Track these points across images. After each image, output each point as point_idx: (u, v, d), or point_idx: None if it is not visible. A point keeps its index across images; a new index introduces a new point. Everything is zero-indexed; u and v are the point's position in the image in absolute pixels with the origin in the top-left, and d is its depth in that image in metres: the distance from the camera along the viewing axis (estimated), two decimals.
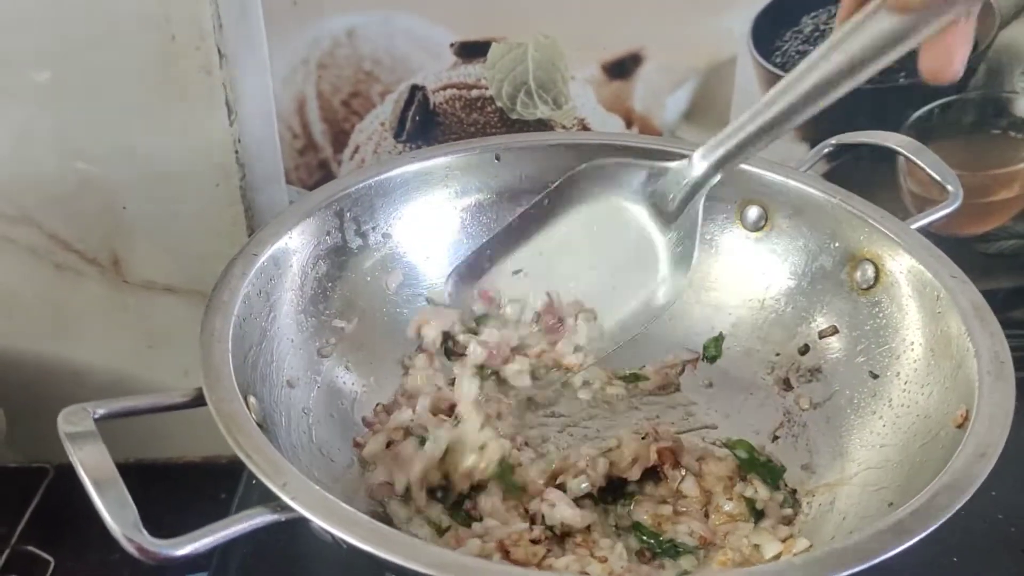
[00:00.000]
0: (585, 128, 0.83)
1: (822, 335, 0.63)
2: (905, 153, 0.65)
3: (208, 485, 0.82)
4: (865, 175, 0.83)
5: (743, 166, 0.67)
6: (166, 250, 0.78)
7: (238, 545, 0.66)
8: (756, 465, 0.59)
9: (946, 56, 0.41)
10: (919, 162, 0.64)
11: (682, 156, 0.57)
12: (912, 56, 0.80)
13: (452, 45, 0.79)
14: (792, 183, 0.65)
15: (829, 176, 0.84)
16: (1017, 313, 0.93)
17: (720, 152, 0.54)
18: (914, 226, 0.61)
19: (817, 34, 0.81)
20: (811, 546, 0.53)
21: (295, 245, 0.60)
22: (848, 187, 0.78)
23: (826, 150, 0.70)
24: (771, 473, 0.59)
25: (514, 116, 0.82)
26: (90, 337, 0.82)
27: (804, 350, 0.64)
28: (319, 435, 0.58)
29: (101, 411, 0.45)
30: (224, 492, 0.77)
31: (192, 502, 0.70)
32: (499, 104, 0.82)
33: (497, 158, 0.69)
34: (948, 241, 0.89)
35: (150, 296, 0.80)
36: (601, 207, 0.61)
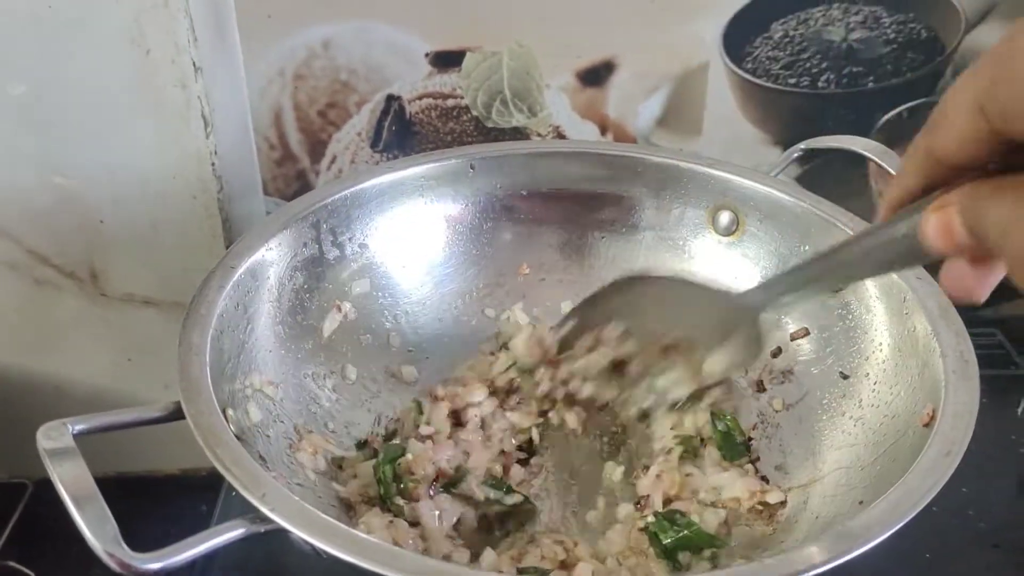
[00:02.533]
0: (560, 135, 0.84)
1: (794, 337, 0.64)
2: (871, 157, 0.66)
3: (188, 498, 0.82)
4: (837, 178, 0.84)
5: (715, 172, 0.69)
6: (145, 263, 0.78)
7: (219, 559, 0.66)
8: (728, 441, 0.61)
9: (971, 280, 0.36)
10: (884, 165, 0.65)
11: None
12: (881, 60, 0.82)
13: (427, 55, 0.80)
14: (762, 188, 0.66)
15: (801, 179, 0.86)
16: (987, 312, 0.95)
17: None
18: None
19: (786, 40, 0.82)
20: (785, 500, 0.55)
21: (272, 257, 0.61)
22: (820, 190, 0.79)
23: (796, 155, 0.71)
24: (736, 454, 0.61)
25: (490, 124, 0.83)
26: (69, 351, 0.81)
27: (776, 352, 0.65)
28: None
29: (80, 427, 0.46)
30: (204, 504, 0.77)
31: (172, 515, 0.70)
32: (475, 113, 0.82)
33: (472, 167, 0.69)
34: None
35: (129, 309, 0.80)
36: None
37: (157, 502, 0.86)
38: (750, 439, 0.63)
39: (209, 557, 0.64)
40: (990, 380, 0.84)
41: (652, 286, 0.59)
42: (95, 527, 0.40)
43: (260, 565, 0.64)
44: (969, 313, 0.92)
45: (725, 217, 0.68)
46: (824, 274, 0.47)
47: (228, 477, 0.44)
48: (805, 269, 0.49)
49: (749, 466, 0.61)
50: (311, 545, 0.42)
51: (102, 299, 0.79)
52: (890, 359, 0.57)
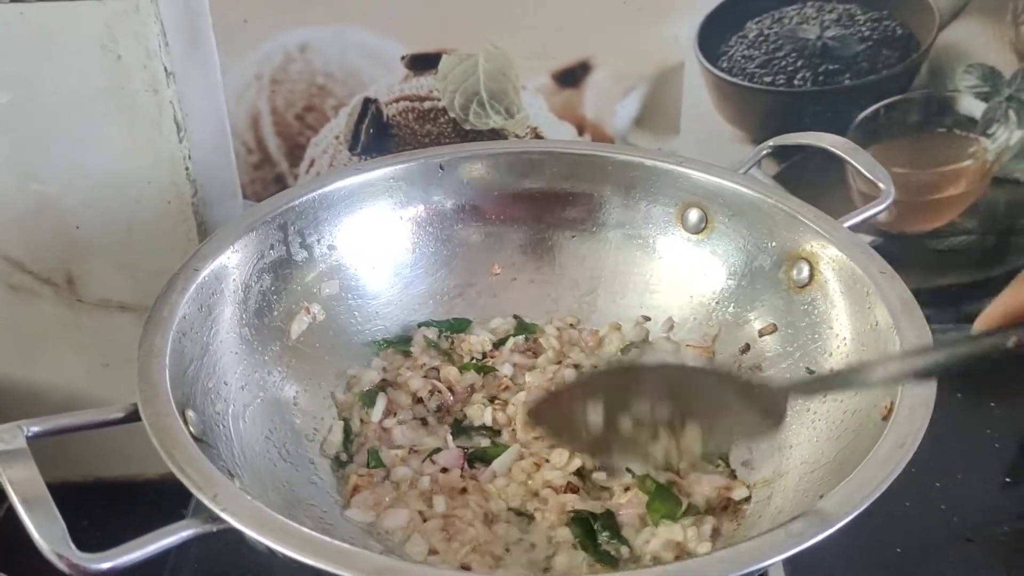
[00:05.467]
0: (538, 136, 0.84)
1: (762, 333, 0.64)
2: (839, 153, 0.66)
3: (168, 502, 0.81)
4: (816, 174, 0.84)
5: (683, 169, 0.69)
6: (120, 268, 0.78)
7: (191, 556, 0.66)
8: None
9: None
10: (852, 161, 0.65)
11: None
12: (856, 58, 0.82)
13: (403, 58, 0.80)
14: (730, 185, 0.66)
15: (781, 176, 0.86)
16: (971, 308, 0.94)
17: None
18: (848, 223, 0.62)
19: (761, 38, 0.82)
20: (749, 496, 0.56)
21: (238, 259, 0.60)
22: (800, 186, 0.79)
23: (764, 152, 0.71)
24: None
25: (467, 127, 0.83)
26: (47, 357, 0.81)
27: (745, 349, 0.65)
28: (263, 445, 0.58)
29: (35, 428, 0.46)
30: (184, 508, 0.77)
31: (151, 519, 0.70)
32: (452, 115, 0.82)
33: (441, 168, 0.69)
34: (899, 239, 0.91)
35: (105, 315, 0.80)
36: None
37: (137, 506, 0.86)
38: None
39: (181, 555, 0.65)
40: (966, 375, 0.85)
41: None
42: (43, 528, 0.41)
43: (232, 562, 0.64)
44: (958, 310, 0.93)
45: (694, 215, 0.68)
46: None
47: (181, 477, 0.44)
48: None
49: (720, 462, 0.61)
50: (265, 545, 0.42)
51: (78, 305, 0.79)
52: (853, 353, 0.57)
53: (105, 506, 0.82)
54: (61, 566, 0.40)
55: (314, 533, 0.42)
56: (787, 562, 0.59)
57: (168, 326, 0.53)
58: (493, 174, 0.70)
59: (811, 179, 0.85)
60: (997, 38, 0.82)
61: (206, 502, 0.43)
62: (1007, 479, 0.68)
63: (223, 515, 0.42)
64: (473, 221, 0.71)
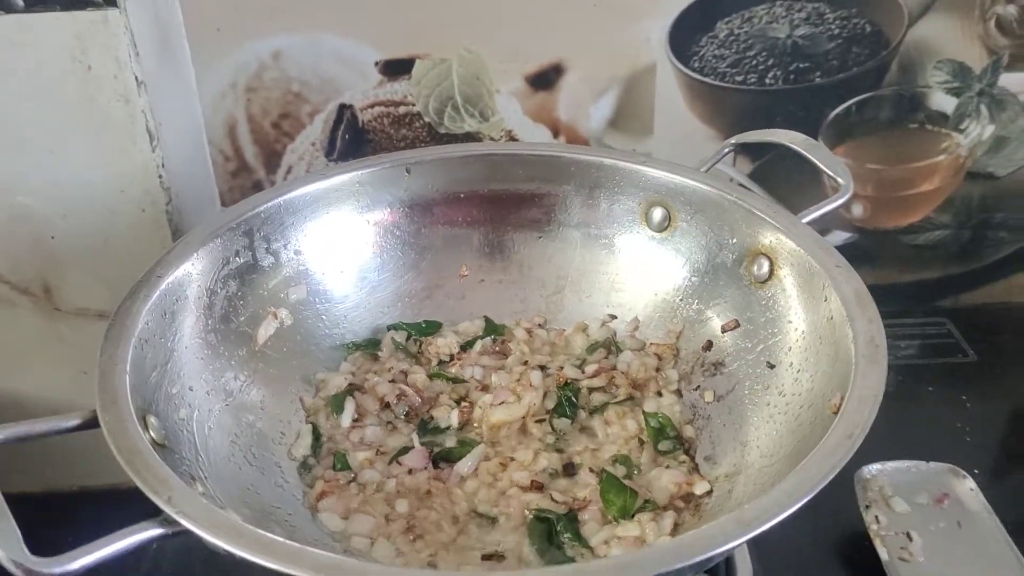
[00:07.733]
0: (513, 139, 0.84)
1: (724, 329, 0.64)
2: (798, 149, 0.66)
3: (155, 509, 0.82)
4: (791, 170, 0.84)
5: (646, 169, 0.69)
6: (97, 277, 0.79)
7: (169, 547, 0.66)
8: (661, 436, 0.62)
9: None
10: (811, 157, 0.65)
11: None
12: (827, 55, 0.82)
13: (377, 63, 0.81)
14: (690, 183, 0.67)
15: (755, 173, 0.86)
16: (945, 302, 0.94)
17: None
18: (807, 219, 0.62)
19: (732, 38, 0.82)
20: (711, 490, 0.56)
21: (202, 266, 0.61)
22: (774, 183, 0.79)
23: (727, 150, 0.71)
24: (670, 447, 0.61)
25: (442, 131, 0.83)
26: (26, 367, 0.82)
27: (708, 346, 0.65)
28: (229, 449, 0.58)
29: None
30: None
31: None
32: (427, 119, 0.83)
33: (407, 171, 0.70)
34: (874, 235, 0.91)
35: (83, 323, 0.80)
36: None
37: (121, 514, 0.86)
38: (685, 433, 0.63)
39: (158, 554, 0.65)
40: (939, 369, 0.85)
41: None
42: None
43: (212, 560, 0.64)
44: (932, 304, 0.93)
45: (658, 213, 0.69)
46: None
47: (137, 481, 0.45)
48: None
49: (685, 457, 0.61)
50: (222, 548, 0.43)
51: (56, 314, 0.80)
52: (810, 347, 0.57)
53: (90, 514, 0.82)
54: (17, 572, 0.40)
55: (266, 534, 0.43)
56: (753, 552, 0.60)
57: (130, 334, 0.53)
58: (458, 177, 0.71)
59: (785, 175, 0.85)
60: (966, 34, 0.83)
61: (161, 505, 0.43)
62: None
63: (178, 518, 0.43)
64: (439, 224, 0.71)
